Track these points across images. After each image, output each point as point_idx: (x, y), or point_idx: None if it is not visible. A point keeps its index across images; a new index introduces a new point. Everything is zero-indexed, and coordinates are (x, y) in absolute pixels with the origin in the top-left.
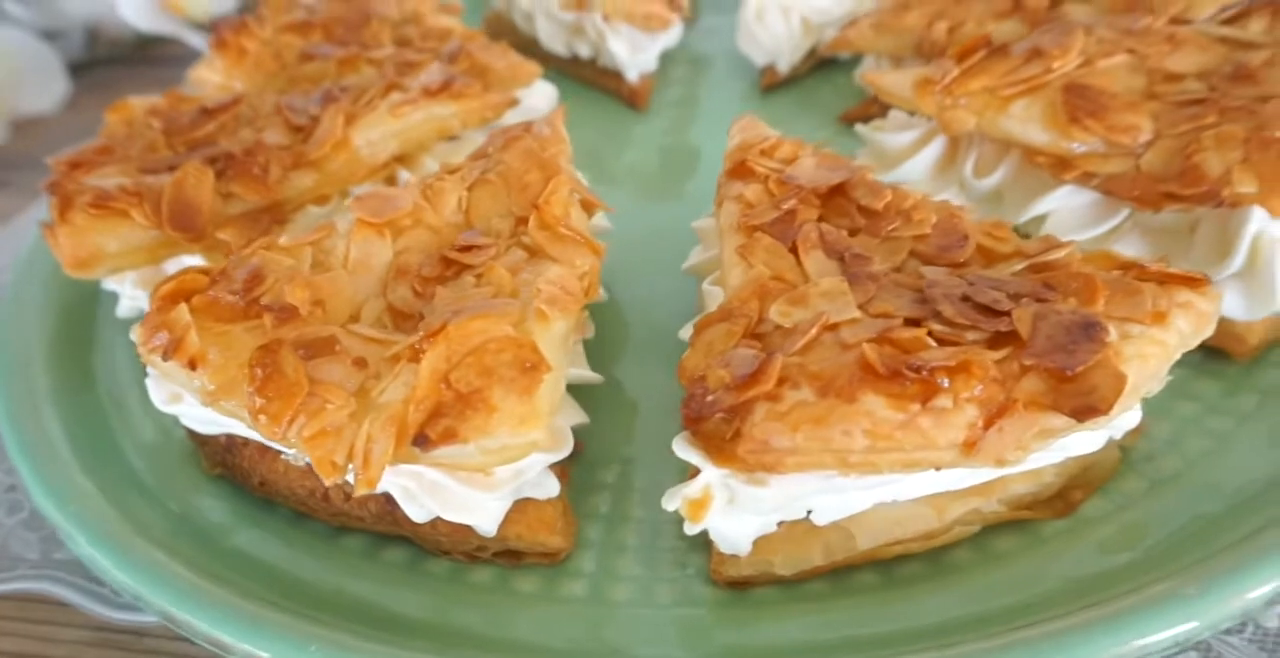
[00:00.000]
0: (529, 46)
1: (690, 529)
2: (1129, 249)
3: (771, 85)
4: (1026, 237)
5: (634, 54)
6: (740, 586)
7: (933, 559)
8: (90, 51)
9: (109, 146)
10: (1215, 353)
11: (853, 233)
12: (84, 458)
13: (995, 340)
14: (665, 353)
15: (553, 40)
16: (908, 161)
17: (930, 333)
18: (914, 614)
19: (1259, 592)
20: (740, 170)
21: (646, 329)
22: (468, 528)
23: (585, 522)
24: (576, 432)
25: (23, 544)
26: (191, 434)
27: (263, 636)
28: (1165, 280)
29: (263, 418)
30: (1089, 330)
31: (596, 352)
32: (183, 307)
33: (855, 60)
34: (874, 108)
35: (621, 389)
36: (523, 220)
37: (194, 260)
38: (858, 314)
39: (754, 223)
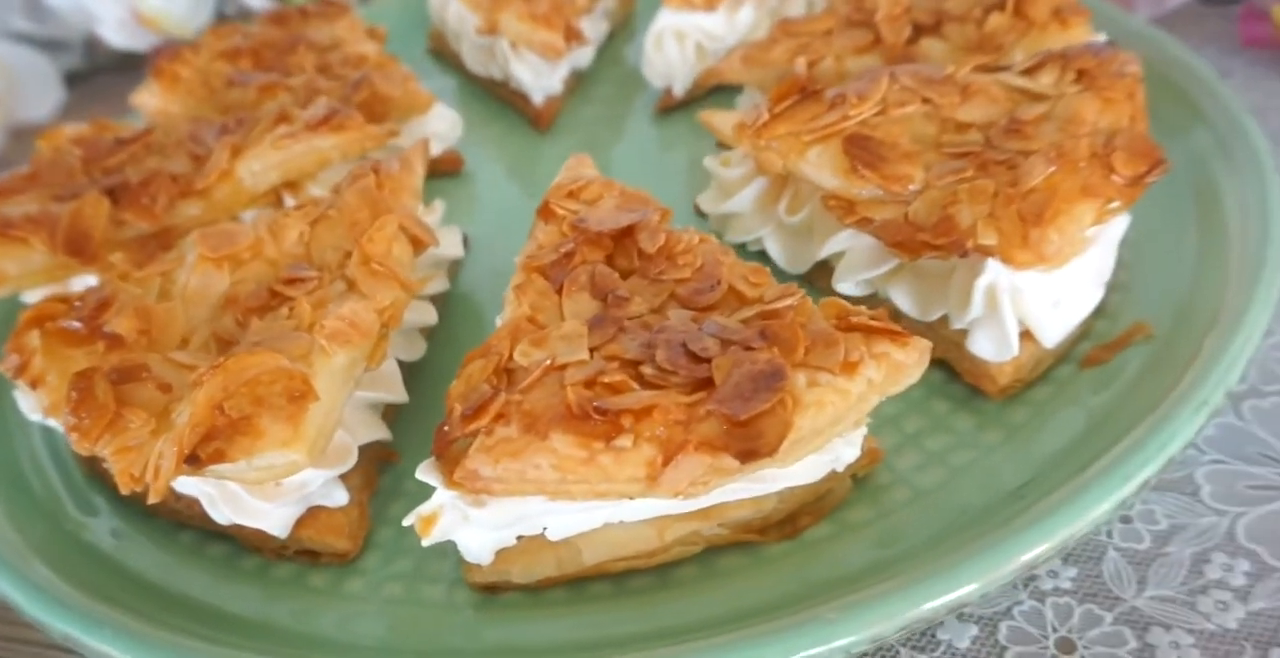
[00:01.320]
0: (462, 64)
1: (424, 542)
2: (900, 291)
3: (667, 108)
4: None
5: (537, 78)
6: (490, 590)
7: (661, 574)
8: (89, 61)
9: (35, 173)
10: (978, 390)
11: (628, 275)
12: None
13: (695, 385)
14: None
15: (474, 62)
16: (738, 195)
17: (642, 376)
18: (640, 620)
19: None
20: (545, 211)
21: None
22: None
23: (381, 526)
24: (391, 443)
25: None
26: None
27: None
28: (870, 332)
29: (75, 435)
30: (770, 379)
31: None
32: (34, 333)
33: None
34: None
35: None
36: (349, 255)
37: (92, 280)
38: (585, 356)
39: (535, 264)
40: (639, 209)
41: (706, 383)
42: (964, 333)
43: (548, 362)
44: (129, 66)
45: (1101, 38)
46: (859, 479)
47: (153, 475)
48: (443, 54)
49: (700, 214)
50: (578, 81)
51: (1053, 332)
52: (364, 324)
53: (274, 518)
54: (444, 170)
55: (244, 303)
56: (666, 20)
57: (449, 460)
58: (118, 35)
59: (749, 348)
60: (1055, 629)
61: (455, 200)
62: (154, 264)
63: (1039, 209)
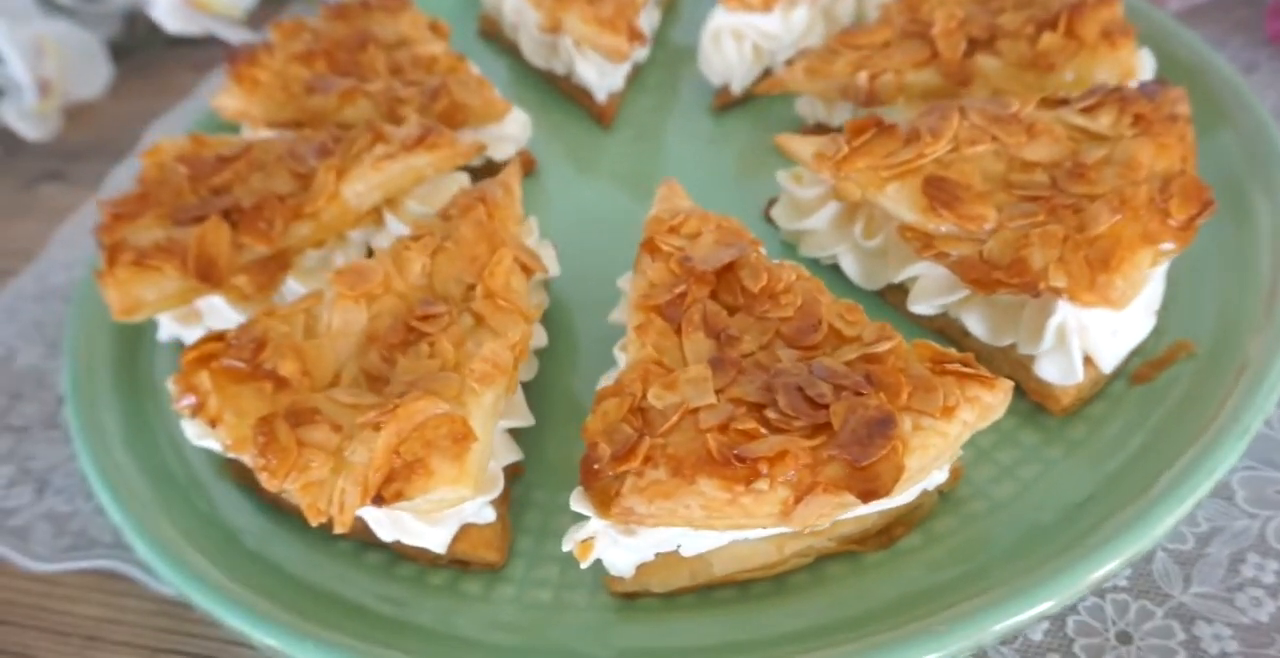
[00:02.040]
0: (516, 51)
1: (582, 565)
2: (973, 319)
3: (725, 105)
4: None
5: (601, 77)
6: (630, 597)
7: (778, 581)
8: (130, 36)
9: (146, 193)
10: (1041, 407)
11: (734, 310)
12: (138, 456)
13: (814, 429)
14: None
15: (533, 55)
16: (813, 215)
17: (766, 420)
18: (760, 625)
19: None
20: (650, 246)
21: (594, 337)
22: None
23: (520, 535)
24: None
25: (98, 528)
26: None
27: (255, 624)
28: (963, 378)
29: (264, 474)
30: (883, 427)
31: (550, 359)
32: (204, 374)
33: None
34: (811, 134)
35: (573, 398)
36: (472, 287)
37: (217, 300)
38: (714, 400)
39: (651, 303)
40: (736, 243)
41: (825, 427)
42: (1031, 356)
43: (682, 406)
44: (171, 41)
45: (1146, 56)
46: (943, 493)
47: (338, 510)
48: (495, 39)
49: (769, 220)
50: (635, 72)
51: (1111, 358)
52: (503, 362)
53: (434, 537)
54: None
55: (386, 339)
56: (722, 19)
57: (599, 493)
58: (171, 19)
59: (858, 393)
60: (1114, 623)
61: (530, 200)
62: (297, 302)
63: (1105, 256)
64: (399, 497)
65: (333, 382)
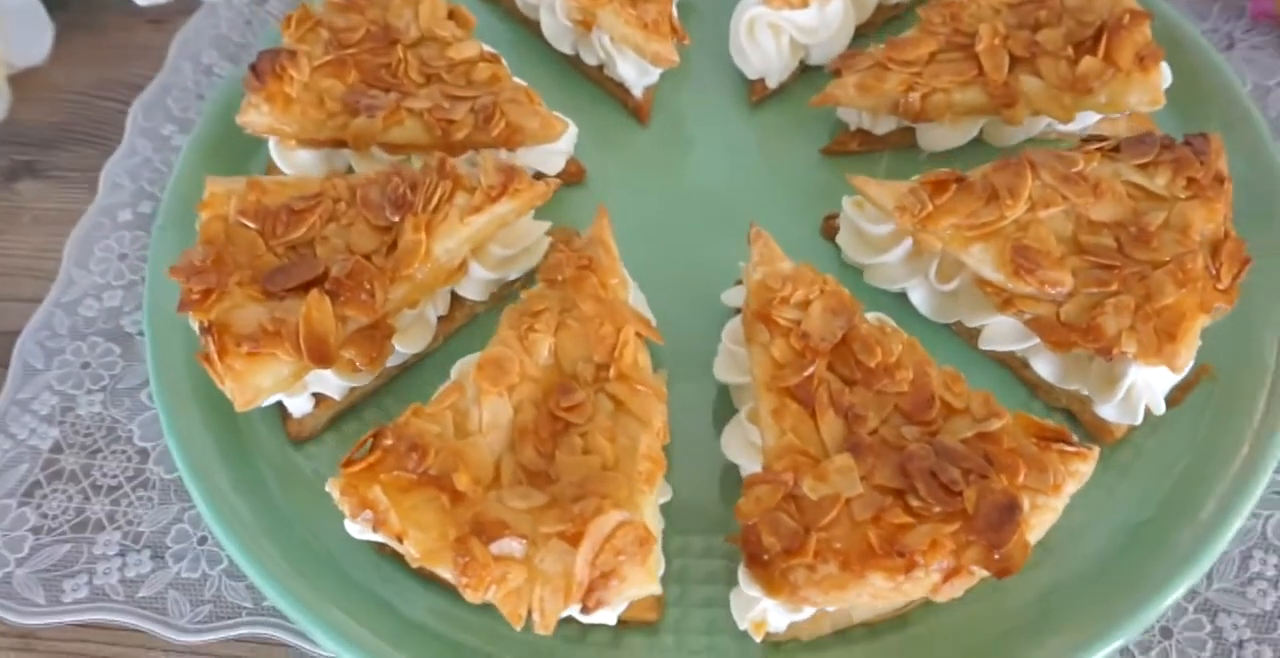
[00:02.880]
0: (526, 22)
1: (756, 639)
2: (1042, 363)
3: (761, 99)
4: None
5: (640, 75)
6: (777, 645)
7: (901, 618)
8: None
9: (219, 257)
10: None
11: (851, 382)
12: (264, 523)
13: (951, 515)
14: (698, 390)
15: (557, 40)
16: (886, 253)
17: (909, 506)
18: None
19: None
20: (765, 318)
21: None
22: None
23: (668, 584)
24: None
25: (234, 593)
26: None
27: None
28: (1064, 456)
29: (468, 590)
30: (1011, 512)
31: None
32: (378, 489)
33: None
34: (852, 143)
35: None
36: (602, 367)
37: (327, 374)
38: (862, 489)
39: (782, 385)
40: (844, 311)
41: (960, 513)
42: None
43: (837, 498)
44: None
45: (1167, 75)
46: None
47: (539, 616)
48: (497, 1)
49: (825, 236)
50: None
51: (1162, 401)
52: (659, 456)
53: (607, 616)
54: (567, 183)
55: (537, 433)
56: (756, 10)
57: (770, 580)
58: None
59: (983, 475)
60: (1157, 619)
61: (578, 208)
62: (442, 399)
63: (1172, 328)
64: (600, 605)
65: (494, 478)
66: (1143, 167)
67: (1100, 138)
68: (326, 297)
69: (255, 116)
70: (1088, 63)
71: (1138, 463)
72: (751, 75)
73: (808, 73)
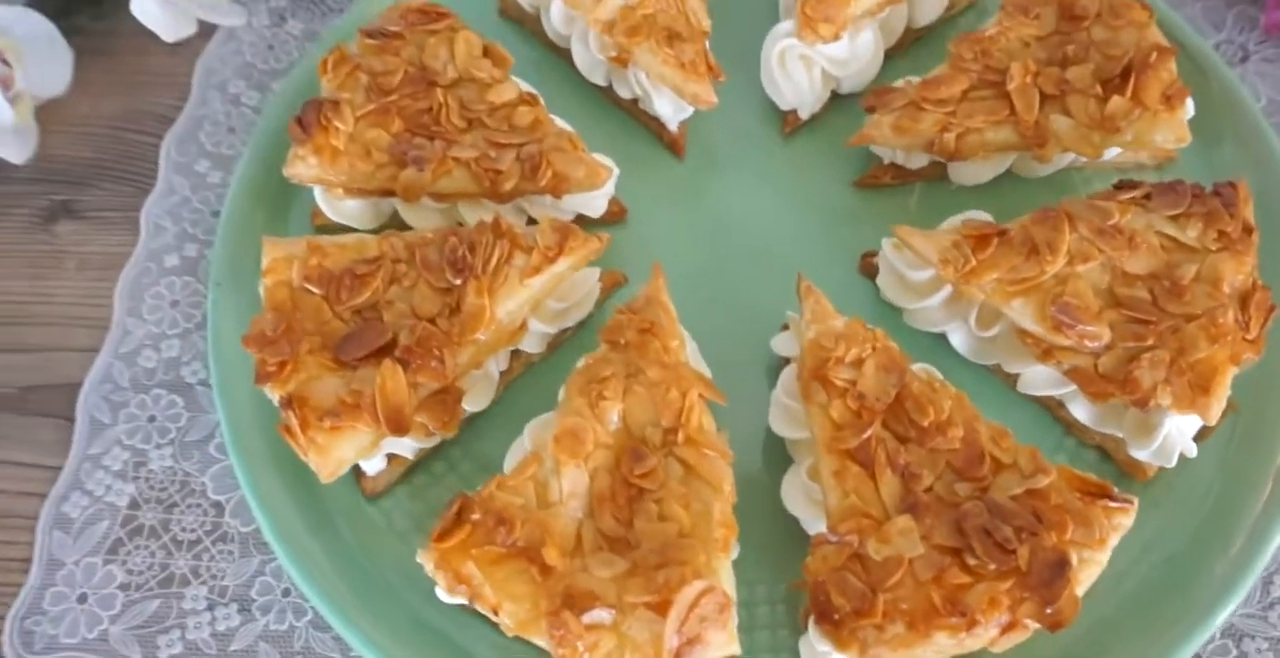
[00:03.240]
0: (553, 45)
1: None
2: (1080, 408)
3: (794, 130)
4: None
5: (677, 111)
6: None
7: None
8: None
9: (289, 326)
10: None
11: (904, 440)
12: (343, 574)
13: (1005, 571)
14: (746, 431)
15: (590, 72)
16: (926, 298)
17: (967, 566)
18: None
19: None
20: (822, 378)
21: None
22: None
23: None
24: None
25: (322, 644)
26: None
27: None
28: (1108, 511)
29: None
30: (1061, 568)
31: None
32: (471, 565)
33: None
34: (885, 176)
35: None
36: (670, 430)
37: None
38: (923, 549)
39: (842, 447)
40: (895, 369)
41: (1014, 570)
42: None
43: (900, 560)
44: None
45: (1190, 106)
46: None
47: None
48: (521, 22)
49: (864, 274)
50: None
51: (1193, 446)
52: (730, 520)
53: None
54: (609, 222)
55: (614, 500)
56: (787, 42)
57: (840, 638)
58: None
59: (1034, 533)
60: None
61: (622, 249)
62: (523, 470)
63: (1205, 381)
64: None
65: (576, 544)
66: (1174, 217)
67: (1132, 184)
68: (399, 366)
69: (303, 169)
70: (1116, 103)
71: (1169, 498)
72: (784, 106)
73: (839, 101)
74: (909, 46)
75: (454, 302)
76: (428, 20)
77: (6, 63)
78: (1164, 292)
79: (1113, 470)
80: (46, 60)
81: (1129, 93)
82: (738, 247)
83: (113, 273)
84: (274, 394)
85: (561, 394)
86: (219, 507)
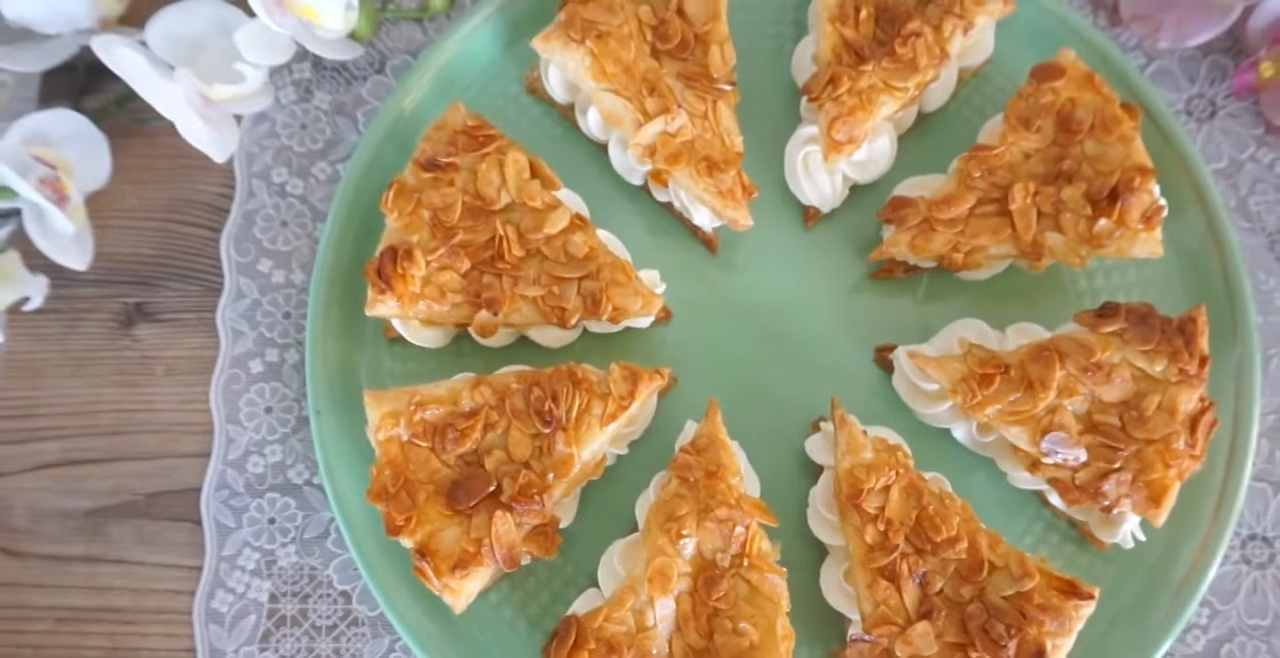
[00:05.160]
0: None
1: None
2: (1058, 500)
3: (815, 221)
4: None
5: (712, 221)
6: None
7: None
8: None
9: (407, 480)
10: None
11: (920, 551)
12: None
13: None
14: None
15: (627, 173)
16: (935, 405)
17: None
18: None
19: None
20: (856, 505)
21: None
22: None
23: None
24: None
25: None
26: None
27: None
28: (1076, 607)
29: None
30: (1040, 656)
31: None
32: None
33: (882, 185)
34: (899, 270)
35: None
36: (737, 556)
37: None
38: (936, 648)
39: (875, 566)
40: (915, 491)
41: None
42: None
43: (920, 656)
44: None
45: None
46: None
47: None
48: (550, 104)
49: (880, 367)
50: None
51: (1140, 531)
52: (789, 631)
53: None
54: (656, 323)
55: (696, 619)
56: (810, 148)
57: None
58: (198, 126)
59: (1020, 629)
60: None
61: (664, 348)
62: (623, 599)
63: (1158, 497)
64: None
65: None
66: (1146, 352)
67: (1114, 310)
68: (508, 513)
69: (384, 310)
70: (1104, 225)
71: (1119, 558)
72: (806, 202)
73: (854, 191)
74: (919, 126)
75: (544, 445)
76: (477, 145)
77: (53, 170)
78: (1132, 420)
79: (1079, 538)
80: (86, 156)
81: (1115, 216)
82: (767, 340)
83: (201, 377)
84: (405, 542)
85: (641, 521)
86: (346, 595)
